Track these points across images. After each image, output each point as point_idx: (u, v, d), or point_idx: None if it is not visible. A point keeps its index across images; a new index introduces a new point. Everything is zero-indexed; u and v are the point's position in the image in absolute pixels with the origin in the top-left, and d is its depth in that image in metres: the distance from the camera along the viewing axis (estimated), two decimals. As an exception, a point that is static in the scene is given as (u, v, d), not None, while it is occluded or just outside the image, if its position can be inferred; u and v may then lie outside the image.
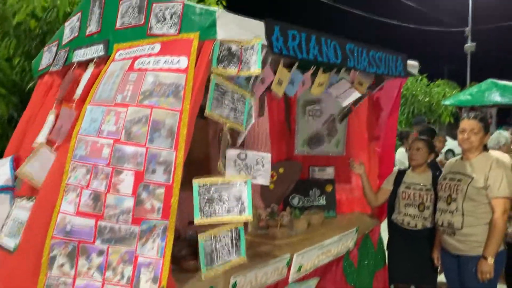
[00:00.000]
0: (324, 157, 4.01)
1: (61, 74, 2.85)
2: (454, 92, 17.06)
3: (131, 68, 2.27)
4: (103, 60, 2.52)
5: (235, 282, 2.29)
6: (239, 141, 2.32)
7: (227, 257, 2.16)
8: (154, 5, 2.36)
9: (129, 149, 2.09)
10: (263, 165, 2.26)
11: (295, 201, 3.74)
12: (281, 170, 3.69)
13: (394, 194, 3.51)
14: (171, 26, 2.28)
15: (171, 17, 2.28)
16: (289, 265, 2.69)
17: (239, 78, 2.25)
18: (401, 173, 3.57)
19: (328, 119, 3.98)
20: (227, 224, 2.16)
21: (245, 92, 2.28)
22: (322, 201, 3.77)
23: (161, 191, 2.03)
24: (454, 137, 5.02)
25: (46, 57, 3.14)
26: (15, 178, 2.66)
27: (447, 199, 3.07)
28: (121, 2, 2.51)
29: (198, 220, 2.10)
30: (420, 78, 16.91)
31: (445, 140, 5.06)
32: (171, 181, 2.03)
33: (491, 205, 2.91)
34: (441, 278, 3.39)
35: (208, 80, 2.15)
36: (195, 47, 2.16)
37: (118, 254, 2.02)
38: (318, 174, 3.96)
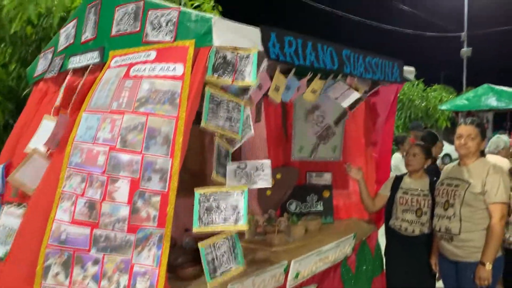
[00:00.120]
0: (321, 162, 4.01)
1: (56, 81, 2.85)
2: (450, 97, 17.13)
3: (126, 75, 2.26)
4: (98, 67, 2.51)
5: (233, 290, 2.27)
6: (235, 147, 2.32)
7: (227, 265, 2.14)
8: (149, 12, 2.35)
9: (125, 156, 2.08)
10: (263, 170, 2.26)
11: (293, 207, 3.74)
12: (278, 176, 3.68)
13: (391, 199, 3.50)
14: (166, 33, 2.27)
15: (167, 24, 2.28)
16: (286, 272, 2.67)
17: (234, 86, 2.25)
18: (398, 179, 3.56)
19: (326, 124, 3.98)
20: (223, 232, 2.15)
21: (240, 101, 2.28)
22: (320, 207, 3.76)
23: (157, 199, 2.02)
24: (451, 142, 5.01)
25: (41, 64, 3.14)
26: (3, 184, 2.63)
27: (444, 205, 3.07)
28: (116, 9, 2.51)
29: (196, 228, 2.09)
30: (416, 83, 16.99)
31: (443, 145, 5.04)
32: (167, 189, 2.02)
33: (488, 210, 2.91)
34: (439, 284, 3.38)
35: (204, 87, 2.15)
36: (190, 54, 2.16)
37: (114, 263, 2.00)
38: (315, 180, 3.96)
